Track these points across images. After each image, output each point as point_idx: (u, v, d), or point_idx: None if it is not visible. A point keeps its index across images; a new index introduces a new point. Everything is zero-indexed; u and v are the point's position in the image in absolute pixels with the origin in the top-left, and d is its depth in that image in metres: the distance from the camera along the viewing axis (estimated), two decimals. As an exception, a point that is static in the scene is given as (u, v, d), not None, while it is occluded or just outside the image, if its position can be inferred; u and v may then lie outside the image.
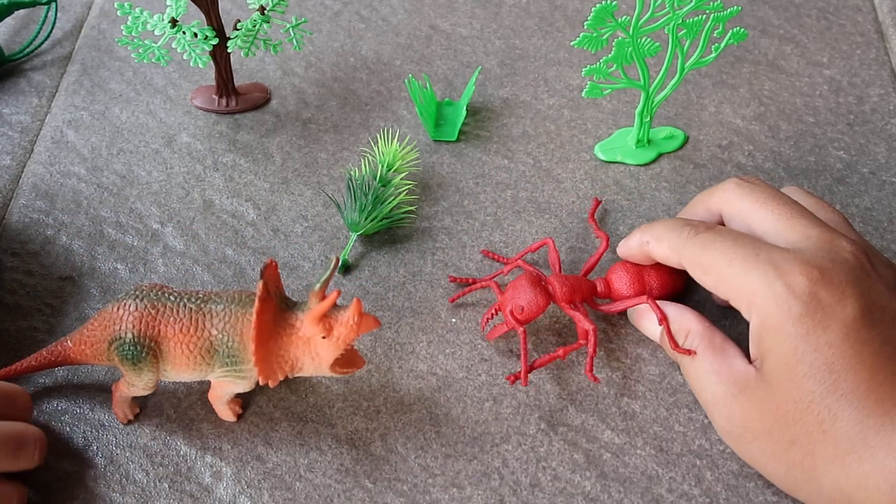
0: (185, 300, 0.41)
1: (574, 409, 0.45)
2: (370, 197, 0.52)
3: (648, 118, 0.56)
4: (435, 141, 0.59)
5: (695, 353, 0.42)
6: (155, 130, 0.60)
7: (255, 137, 0.59)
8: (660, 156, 0.57)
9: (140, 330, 0.40)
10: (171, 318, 0.41)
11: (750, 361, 0.40)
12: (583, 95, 0.53)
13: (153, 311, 0.41)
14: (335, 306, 0.40)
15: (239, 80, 0.62)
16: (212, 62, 0.58)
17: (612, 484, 0.43)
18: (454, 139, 0.59)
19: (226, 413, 0.45)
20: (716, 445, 0.44)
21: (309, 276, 0.51)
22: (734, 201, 0.43)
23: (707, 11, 0.51)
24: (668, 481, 0.43)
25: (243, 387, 0.42)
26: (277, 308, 0.40)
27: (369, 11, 0.68)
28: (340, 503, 0.42)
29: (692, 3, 0.50)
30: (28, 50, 0.65)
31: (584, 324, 0.45)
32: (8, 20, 0.68)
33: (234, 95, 0.61)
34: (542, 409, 0.45)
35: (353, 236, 0.52)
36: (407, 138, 0.59)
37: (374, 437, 0.45)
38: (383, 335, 0.49)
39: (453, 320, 0.49)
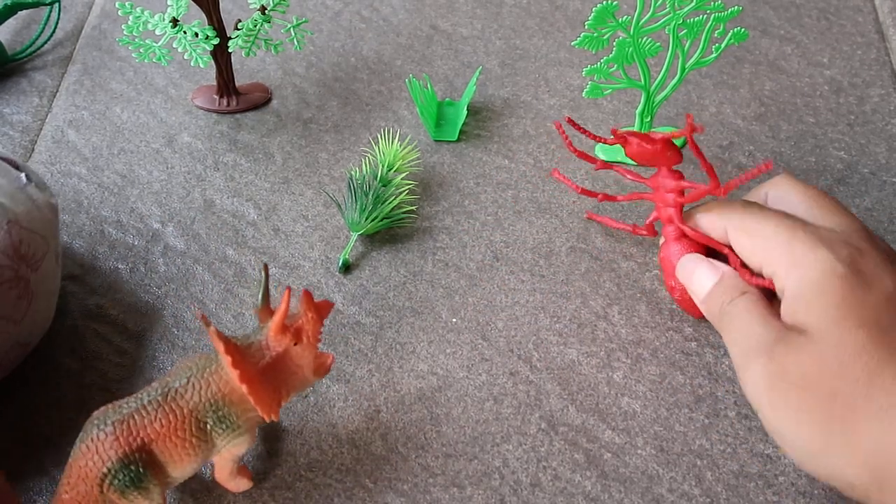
0: (146, 397, 0.38)
1: (574, 409, 0.45)
2: (371, 197, 0.52)
3: (649, 118, 0.56)
4: (436, 141, 0.59)
5: (772, 284, 0.42)
6: (156, 130, 0.60)
7: (256, 137, 0.60)
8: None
9: (124, 450, 0.37)
10: (146, 420, 0.37)
11: None
12: (583, 95, 0.53)
13: (124, 426, 0.37)
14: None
15: (240, 80, 0.62)
16: (213, 62, 0.58)
17: (613, 484, 0.43)
18: (455, 139, 0.59)
19: (241, 484, 0.42)
20: (716, 445, 0.44)
21: (309, 276, 0.51)
22: (781, 187, 0.45)
23: (708, 12, 0.51)
24: (669, 481, 0.43)
25: (247, 442, 0.40)
26: (238, 345, 0.38)
27: (370, 11, 0.68)
28: (341, 503, 0.42)
29: (693, 4, 0.50)
30: (31, 50, 0.66)
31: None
32: (10, 20, 0.68)
33: (234, 95, 0.61)
34: (543, 408, 0.45)
35: (354, 236, 0.52)
36: (408, 138, 0.59)
37: (375, 436, 0.45)
38: (384, 335, 0.49)
39: (454, 320, 0.49)
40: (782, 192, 0.45)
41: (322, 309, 0.39)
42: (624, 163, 0.56)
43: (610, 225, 0.52)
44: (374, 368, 0.47)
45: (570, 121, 0.49)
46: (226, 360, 0.37)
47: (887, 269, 0.40)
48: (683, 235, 0.47)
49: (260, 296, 0.38)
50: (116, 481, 0.37)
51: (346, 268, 0.52)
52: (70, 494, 0.38)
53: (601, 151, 0.57)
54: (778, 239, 0.41)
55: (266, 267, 0.38)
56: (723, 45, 0.52)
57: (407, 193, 0.54)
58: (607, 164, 0.50)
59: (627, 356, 0.47)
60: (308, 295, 0.38)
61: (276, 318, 0.38)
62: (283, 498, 0.43)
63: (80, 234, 0.54)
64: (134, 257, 0.53)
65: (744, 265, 0.44)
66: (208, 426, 0.38)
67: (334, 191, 0.56)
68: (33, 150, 0.59)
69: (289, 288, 0.37)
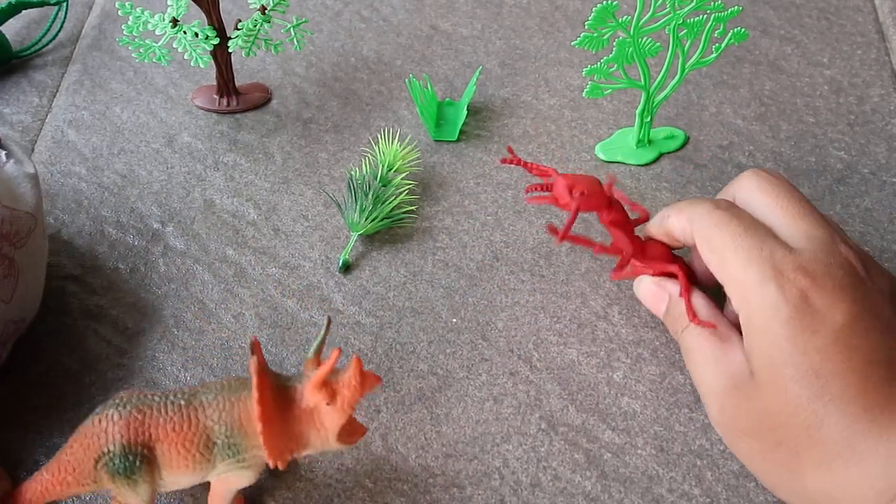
0: (172, 398, 0.38)
1: (574, 409, 0.45)
2: (371, 197, 0.52)
3: (649, 118, 0.56)
4: (436, 141, 0.59)
5: (715, 325, 0.41)
6: (156, 130, 0.60)
7: (256, 137, 0.60)
8: (660, 156, 0.57)
9: (129, 438, 0.37)
10: (161, 419, 0.37)
11: None
12: (583, 95, 0.53)
13: (139, 416, 0.37)
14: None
15: (240, 80, 0.62)
16: (213, 62, 0.58)
17: (613, 484, 0.43)
18: (455, 139, 0.59)
19: None
20: (716, 445, 0.44)
21: (309, 276, 0.51)
22: (749, 189, 0.43)
23: (708, 12, 0.51)
24: (669, 481, 0.43)
25: (248, 478, 0.39)
26: (273, 384, 0.38)
27: (370, 11, 0.68)
28: (341, 502, 0.42)
29: (693, 4, 0.50)
30: (37, 47, 0.66)
31: (624, 243, 0.44)
32: (12, 18, 0.68)
33: (234, 95, 0.61)
34: (543, 408, 0.45)
35: (354, 236, 0.52)
36: (408, 138, 0.59)
37: (375, 436, 0.45)
38: (384, 335, 0.49)
39: (454, 320, 0.49)
40: (747, 194, 0.43)
41: (367, 380, 0.38)
42: (624, 163, 0.57)
43: (580, 242, 0.49)
44: (374, 368, 0.47)
45: (511, 150, 0.46)
46: (254, 394, 0.37)
47: (842, 295, 0.38)
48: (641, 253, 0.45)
49: (314, 347, 0.38)
50: (111, 464, 0.37)
51: (346, 268, 0.52)
52: (68, 457, 0.38)
53: (602, 151, 0.57)
54: (733, 262, 0.40)
55: (329, 321, 0.38)
56: (723, 45, 0.52)
57: (407, 193, 0.54)
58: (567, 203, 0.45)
59: (627, 356, 0.47)
60: (359, 361, 0.38)
61: (318, 374, 0.37)
62: (282, 498, 0.43)
63: (80, 234, 0.54)
64: (134, 257, 0.53)
65: (690, 287, 0.43)
66: (216, 447, 0.38)
67: (334, 191, 0.56)
68: (33, 149, 0.59)
69: (339, 349, 0.37)
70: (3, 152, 0.47)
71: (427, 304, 0.50)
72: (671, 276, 0.45)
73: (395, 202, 0.53)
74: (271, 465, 0.38)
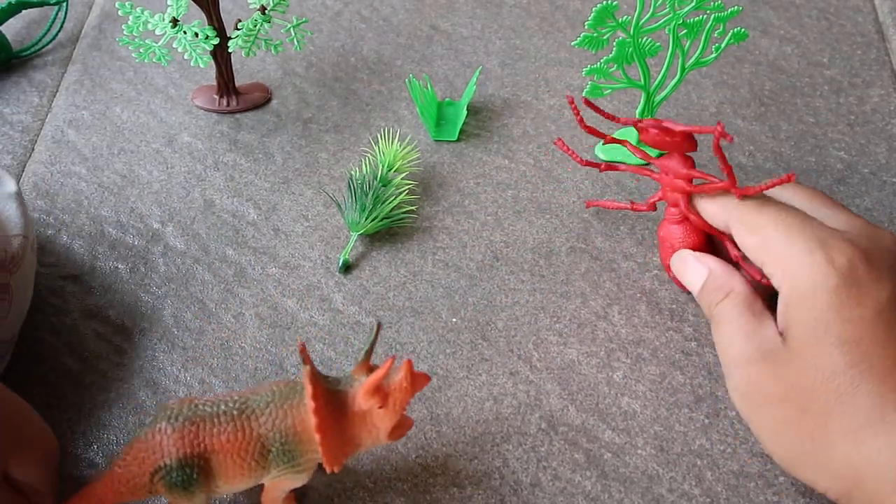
0: (223, 406, 0.38)
1: (574, 409, 0.45)
2: (371, 197, 0.52)
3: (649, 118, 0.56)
4: (436, 141, 0.59)
5: (770, 282, 0.41)
6: (156, 130, 0.60)
7: (256, 137, 0.60)
8: (661, 156, 0.57)
9: (185, 451, 0.37)
10: (215, 430, 0.37)
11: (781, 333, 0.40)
12: (583, 95, 0.53)
13: (193, 428, 0.37)
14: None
15: (240, 80, 0.62)
16: (213, 62, 0.58)
17: (613, 483, 0.43)
18: (455, 139, 0.59)
19: None
20: (716, 445, 0.44)
21: (309, 276, 0.51)
22: (782, 190, 0.44)
23: (708, 12, 0.51)
24: (669, 481, 0.43)
25: (301, 480, 0.39)
26: (326, 390, 0.38)
27: (370, 11, 0.68)
28: (341, 502, 0.42)
29: (693, 4, 0.50)
30: (37, 47, 0.66)
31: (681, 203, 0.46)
32: (12, 18, 0.68)
33: (234, 95, 0.61)
34: (543, 408, 0.45)
35: (354, 236, 0.52)
36: (408, 138, 0.59)
37: (375, 436, 0.45)
38: (384, 335, 0.49)
39: (454, 320, 0.49)
40: (780, 193, 0.44)
41: (418, 381, 0.38)
42: (624, 162, 0.56)
43: (609, 206, 0.52)
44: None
45: (588, 102, 0.47)
46: (310, 404, 0.37)
47: (889, 273, 0.39)
48: (686, 219, 0.46)
49: (364, 351, 0.38)
50: (168, 477, 0.37)
51: (346, 268, 0.52)
52: (123, 470, 0.38)
53: (602, 151, 0.57)
54: (776, 238, 0.40)
55: (379, 325, 0.38)
56: (723, 45, 0.52)
57: (407, 193, 0.54)
58: (616, 140, 0.49)
59: (627, 356, 0.47)
60: (410, 364, 0.38)
61: (371, 380, 0.37)
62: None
63: (80, 234, 0.54)
64: (134, 257, 0.53)
65: (746, 258, 0.44)
66: (271, 454, 0.38)
67: (334, 191, 0.56)
68: (33, 150, 0.59)
69: (393, 357, 0.37)
70: None
71: (427, 304, 0.50)
72: (706, 251, 0.46)
73: (395, 202, 0.53)
74: (328, 470, 0.38)
